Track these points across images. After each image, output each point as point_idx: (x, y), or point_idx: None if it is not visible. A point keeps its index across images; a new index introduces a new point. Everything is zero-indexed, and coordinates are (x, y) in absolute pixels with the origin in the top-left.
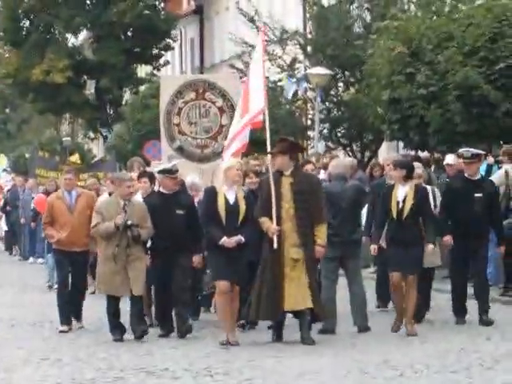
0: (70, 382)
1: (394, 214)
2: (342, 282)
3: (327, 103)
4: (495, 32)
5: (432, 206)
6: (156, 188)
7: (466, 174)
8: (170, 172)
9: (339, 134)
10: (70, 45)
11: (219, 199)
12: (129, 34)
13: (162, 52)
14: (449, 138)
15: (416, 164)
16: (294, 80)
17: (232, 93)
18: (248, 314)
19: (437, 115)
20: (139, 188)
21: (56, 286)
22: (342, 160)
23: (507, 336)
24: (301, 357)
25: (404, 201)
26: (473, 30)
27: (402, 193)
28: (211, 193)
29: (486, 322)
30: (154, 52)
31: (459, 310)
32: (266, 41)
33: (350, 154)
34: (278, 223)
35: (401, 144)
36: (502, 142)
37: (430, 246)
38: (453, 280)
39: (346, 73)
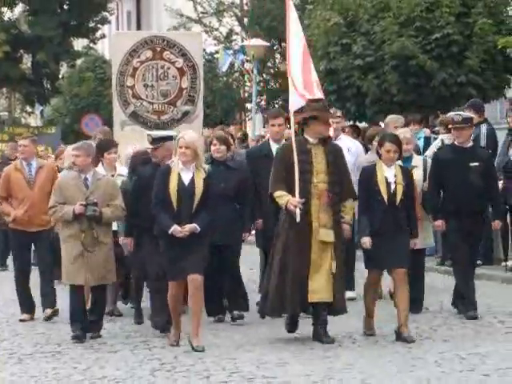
0: (7, 357)
1: (386, 199)
2: None
3: (264, 75)
4: (431, 2)
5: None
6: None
7: (456, 142)
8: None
9: (277, 106)
10: (5, 19)
11: (172, 179)
12: (65, 7)
13: (99, 25)
14: (386, 108)
15: (403, 129)
16: (231, 52)
17: (193, 52)
18: (264, 309)
19: (373, 86)
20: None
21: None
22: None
23: (444, 306)
24: (239, 330)
25: (395, 182)
26: (409, 0)
27: (391, 173)
28: (164, 171)
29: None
30: (90, 25)
31: (466, 303)
32: (203, 13)
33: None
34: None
35: None
36: (439, 112)
37: (415, 242)
38: (455, 267)
39: (283, 44)
